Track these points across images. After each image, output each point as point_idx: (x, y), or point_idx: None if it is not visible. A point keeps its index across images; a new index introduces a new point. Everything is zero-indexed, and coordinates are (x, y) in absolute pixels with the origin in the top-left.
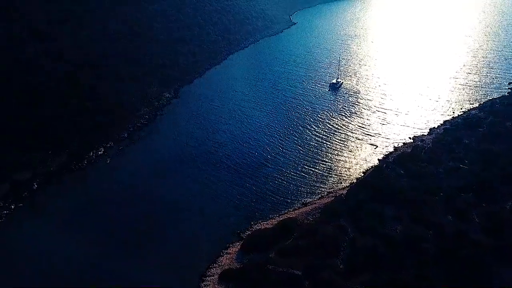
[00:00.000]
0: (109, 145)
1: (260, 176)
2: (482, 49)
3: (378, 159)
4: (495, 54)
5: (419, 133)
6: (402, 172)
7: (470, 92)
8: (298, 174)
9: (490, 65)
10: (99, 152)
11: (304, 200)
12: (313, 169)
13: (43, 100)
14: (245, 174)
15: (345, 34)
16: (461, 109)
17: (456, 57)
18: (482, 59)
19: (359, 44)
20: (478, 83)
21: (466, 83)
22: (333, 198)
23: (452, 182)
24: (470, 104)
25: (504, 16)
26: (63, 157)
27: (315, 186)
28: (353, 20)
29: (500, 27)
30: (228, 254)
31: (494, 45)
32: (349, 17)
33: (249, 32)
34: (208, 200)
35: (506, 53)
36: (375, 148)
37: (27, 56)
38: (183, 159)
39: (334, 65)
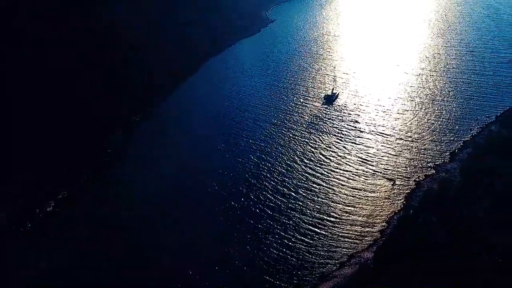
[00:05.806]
0: (61, 196)
1: (250, 241)
2: (488, 48)
3: (402, 203)
4: (504, 54)
5: (439, 161)
6: (434, 219)
7: (484, 101)
8: (301, 233)
9: (498, 67)
10: (48, 209)
11: (319, 272)
12: (320, 225)
13: None
14: (230, 241)
15: (327, 33)
16: (478, 125)
17: (458, 59)
18: (492, 56)
19: (344, 45)
20: (491, 89)
21: (477, 90)
22: (357, 266)
23: (499, 233)
24: (487, 117)
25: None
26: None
27: (328, 250)
28: (335, 16)
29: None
30: None
31: (500, 44)
32: (331, 12)
33: (225, 32)
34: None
35: None
36: (392, 185)
37: None
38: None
39: (321, 73)
